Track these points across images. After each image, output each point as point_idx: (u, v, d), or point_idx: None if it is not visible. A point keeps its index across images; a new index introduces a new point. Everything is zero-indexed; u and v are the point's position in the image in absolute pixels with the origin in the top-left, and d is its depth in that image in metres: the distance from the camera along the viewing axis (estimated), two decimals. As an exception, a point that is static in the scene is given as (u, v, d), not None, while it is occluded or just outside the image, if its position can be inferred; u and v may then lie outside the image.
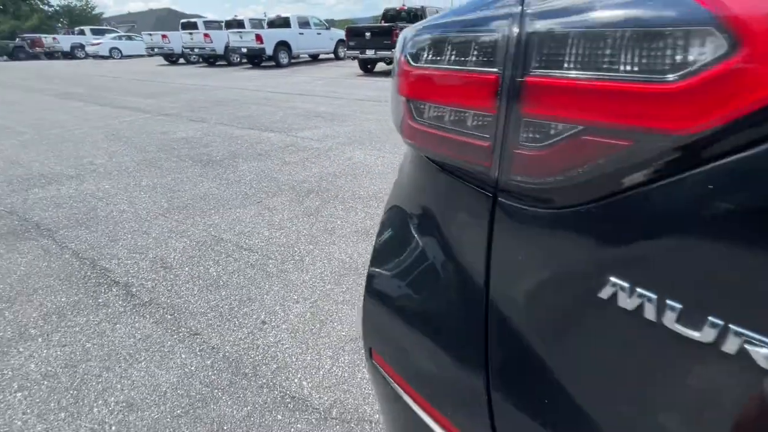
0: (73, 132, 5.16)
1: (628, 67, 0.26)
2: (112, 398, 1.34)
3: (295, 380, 1.42)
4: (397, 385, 0.52)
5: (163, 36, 16.89)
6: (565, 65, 0.29)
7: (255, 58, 13.92)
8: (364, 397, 1.34)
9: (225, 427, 1.24)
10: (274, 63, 13.75)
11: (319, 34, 14.86)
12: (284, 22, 14.26)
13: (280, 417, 1.28)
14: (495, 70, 0.33)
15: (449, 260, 0.45)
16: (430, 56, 0.39)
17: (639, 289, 0.28)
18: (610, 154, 0.28)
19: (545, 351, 0.36)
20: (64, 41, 24.16)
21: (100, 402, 1.32)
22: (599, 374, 0.33)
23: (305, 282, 1.98)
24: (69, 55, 23.44)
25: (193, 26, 15.62)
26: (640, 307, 0.28)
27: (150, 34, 18.03)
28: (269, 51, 13.23)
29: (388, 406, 0.56)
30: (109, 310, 1.78)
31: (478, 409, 0.41)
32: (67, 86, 10.03)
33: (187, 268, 2.11)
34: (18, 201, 2.99)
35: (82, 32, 25.25)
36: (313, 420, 1.26)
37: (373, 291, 0.56)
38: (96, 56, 22.01)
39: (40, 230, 2.53)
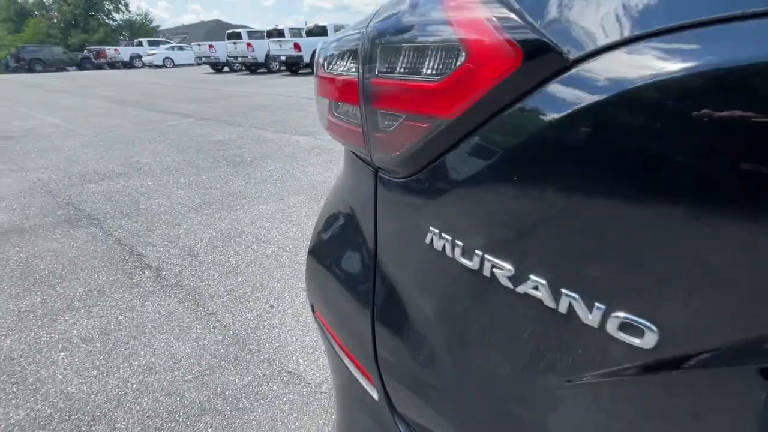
0: (126, 135, 5.69)
1: (407, 70, 0.37)
2: (136, 362, 1.54)
3: (293, 358, 1.55)
4: (327, 332, 0.63)
5: (210, 46, 18.03)
6: (387, 70, 0.40)
7: (293, 66, 14.54)
8: (352, 376, 1.45)
9: (227, 393, 1.39)
10: (310, 70, 14.29)
11: (354, 41, 15.27)
12: (322, 31, 14.80)
13: (275, 388, 1.41)
14: (354, 74, 0.44)
15: (357, 226, 0.56)
16: (330, 64, 0.51)
17: (443, 234, 0.38)
18: (420, 134, 0.38)
19: (401, 287, 0.46)
20: (124, 52, 26.36)
21: (125, 365, 1.53)
22: (430, 304, 0.43)
23: (314, 273, 2.13)
24: (128, 64, 25.55)
25: (238, 36, 16.56)
26: (443, 247, 0.38)
27: (198, 45, 19.30)
28: (306, 58, 13.78)
29: (327, 350, 0.67)
30: (141, 289, 2.02)
31: (368, 346, 0.51)
32: (124, 93, 10.99)
33: (210, 257, 2.33)
34: (75, 194, 3.38)
35: (140, 44, 27.45)
36: (304, 392, 1.39)
37: (310, 257, 0.68)
38: (151, 65, 23.84)
39: (91, 219, 2.87)
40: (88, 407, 1.34)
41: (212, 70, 18.60)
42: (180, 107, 8.11)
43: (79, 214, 2.96)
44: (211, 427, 1.27)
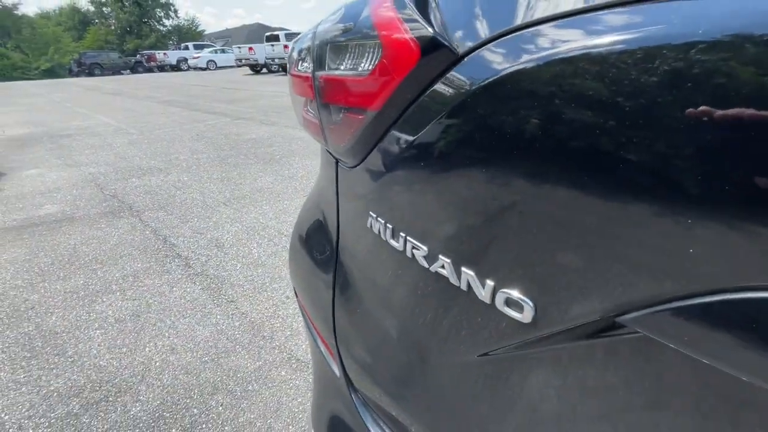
0: (168, 133, 6.06)
1: (347, 66, 0.40)
2: (161, 342, 1.66)
3: (303, 346, 1.61)
4: (305, 314, 0.67)
5: (250, 48, 18.74)
6: (327, 66, 0.43)
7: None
8: (357, 367, 1.49)
9: (238, 375, 1.48)
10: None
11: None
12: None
13: (283, 373, 1.48)
14: (309, 72, 0.47)
15: (324, 215, 0.59)
16: (300, 63, 0.54)
17: (378, 218, 0.40)
18: (357, 126, 0.40)
19: (353, 269, 0.49)
20: (172, 56, 27.96)
21: (151, 344, 1.65)
22: (371, 283, 0.46)
23: (330, 267, 2.19)
24: (175, 67, 27.09)
25: (276, 38, 17.12)
26: (379, 230, 0.41)
27: (239, 47, 20.11)
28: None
29: (307, 335, 0.72)
30: (170, 276, 2.16)
31: (329, 324, 0.54)
32: (169, 94, 11.68)
33: (235, 248, 2.45)
34: (120, 187, 3.66)
35: (186, 48, 29.01)
36: (309, 379, 1.45)
37: (292, 243, 0.72)
38: (196, 68, 25.14)
39: (132, 211, 3.10)
40: (116, 380, 1.47)
41: (251, 72, 19.33)
42: (219, 107, 8.52)
43: (122, 206, 3.20)
44: (221, 405, 1.35)
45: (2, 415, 1.34)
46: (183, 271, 2.22)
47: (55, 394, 1.42)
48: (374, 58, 0.36)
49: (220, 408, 1.34)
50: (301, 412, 1.32)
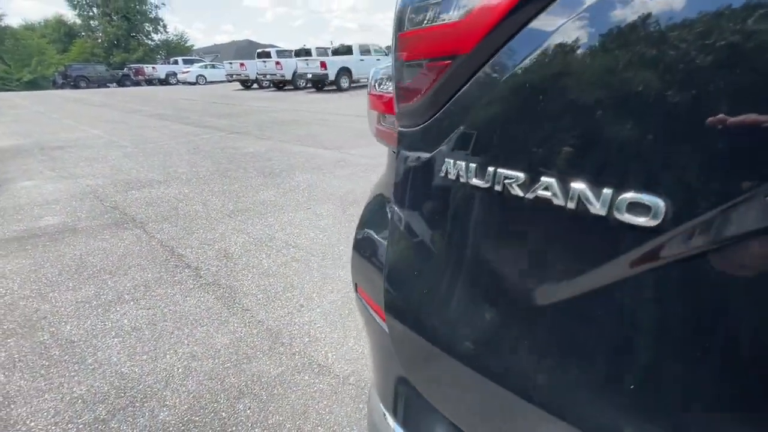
0: (164, 146, 6.06)
1: (430, 20, 0.48)
2: (181, 349, 1.68)
3: (322, 352, 1.66)
4: (369, 307, 0.74)
5: (241, 64, 18.89)
6: (407, 23, 0.51)
7: (318, 83, 15.08)
8: (378, 370, 1.55)
9: (263, 380, 1.51)
10: (335, 87, 14.78)
11: (378, 60, 15.74)
12: (347, 50, 15.34)
13: (306, 378, 1.52)
14: (385, 90, 0.57)
15: (384, 206, 0.68)
16: (380, 85, 0.64)
17: (457, 162, 0.46)
18: (441, 74, 0.47)
19: (424, 234, 0.56)
20: (161, 70, 27.90)
21: (171, 351, 1.67)
22: (442, 236, 0.53)
23: (340, 277, 2.25)
24: (164, 81, 27.01)
25: (267, 55, 17.33)
26: (457, 175, 0.47)
27: (230, 63, 20.25)
28: (332, 76, 14.28)
29: (366, 322, 0.78)
30: (183, 286, 2.18)
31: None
32: (160, 108, 11.66)
33: (244, 259, 2.49)
34: (120, 199, 3.65)
35: (175, 62, 29.01)
36: (333, 383, 1.49)
37: (356, 245, 0.79)
38: (185, 82, 25.14)
39: (135, 222, 3.10)
40: (141, 386, 1.49)
41: (242, 87, 19.44)
42: (212, 121, 8.56)
43: (125, 218, 3.20)
44: (249, 408, 1.39)
45: (28, 422, 1.34)
46: (194, 281, 2.25)
47: (80, 400, 1.43)
48: (468, 4, 0.43)
49: (248, 411, 1.38)
50: (328, 414, 1.36)
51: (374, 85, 0.66)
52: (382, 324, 0.69)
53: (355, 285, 0.82)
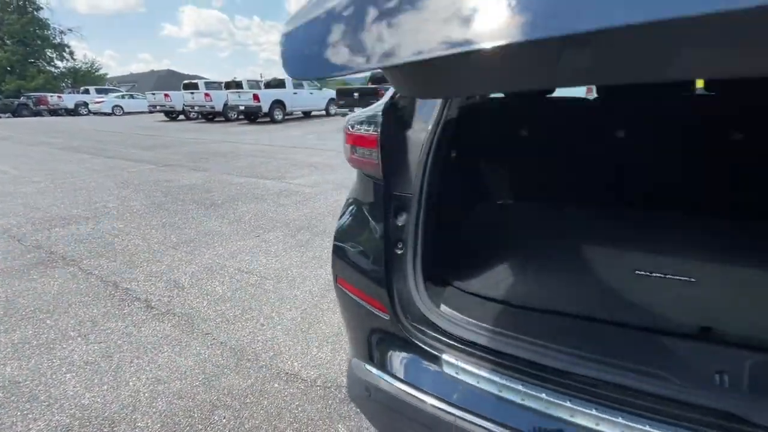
0: (85, 181, 5.65)
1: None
2: (144, 375, 1.70)
3: (288, 362, 1.80)
4: (347, 290, 0.97)
5: (166, 95, 18.11)
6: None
7: (251, 115, 15.02)
8: (341, 371, 1.73)
9: (234, 392, 1.61)
10: (269, 119, 14.83)
11: (311, 93, 16.20)
12: (280, 83, 15.58)
13: (276, 385, 1.65)
14: (371, 132, 0.85)
15: (366, 220, 0.93)
16: (356, 127, 0.91)
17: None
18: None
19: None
20: (69, 99, 25.42)
21: (134, 378, 1.69)
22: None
23: (297, 296, 2.40)
24: (72, 112, 24.59)
25: (195, 86, 16.86)
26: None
27: (153, 93, 19.30)
28: (265, 108, 14.35)
29: (346, 308, 1.01)
30: (134, 318, 2.16)
31: (382, 291, 0.87)
32: (73, 140, 10.69)
33: (196, 288, 2.51)
34: (42, 238, 3.39)
35: (87, 91, 26.68)
36: (302, 387, 1.64)
37: (336, 242, 1.03)
38: (98, 113, 23.17)
39: (66, 261, 2.92)
40: (106, 413, 1.49)
41: (166, 118, 18.52)
42: (139, 154, 8.11)
43: (53, 256, 3.00)
44: (224, 418, 1.48)
45: (-16, 462, 1.29)
46: (146, 312, 2.23)
47: (40, 435, 1.39)
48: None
49: (224, 421, 1.47)
50: (301, 412, 1.51)
51: (348, 127, 0.93)
52: (361, 301, 0.93)
53: (335, 276, 1.05)
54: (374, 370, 0.86)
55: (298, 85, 15.76)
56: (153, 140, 10.53)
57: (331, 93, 16.17)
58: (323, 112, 17.00)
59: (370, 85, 12.70)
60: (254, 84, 16.70)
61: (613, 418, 0.63)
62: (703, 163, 1.35)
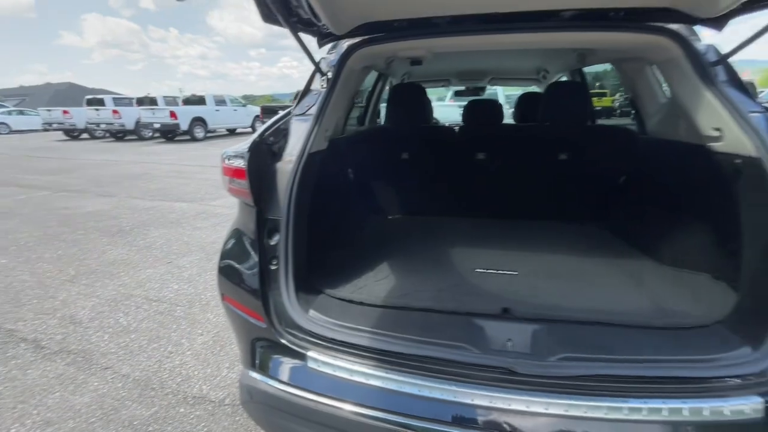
0: (-43, 212, 4.90)
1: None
2: (29, 420, 1.59)
3: (197, 386, 1.81)
4: (232, 306, 1.08)
5: (65, 111, 16.25)
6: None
7: (169, 133, 14.11)
8: (251, 388, 1.78)
9: (135, 422, 1.58)
10: (189, 137, 14.04)
11: (235, 110, 15.70)
12: (200, 100, 14.89)
13: (182, 410, 1.66)
14: (244, 164, 0.99)
15: (245, 242, 1.06)
16: (230, 160, 1.04)
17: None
18: None
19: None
20: (-66, 116, 21.51)
21: (17, 424, 1.57)
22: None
23: (209, 320, 2.38)
24: (-61, 130, 20.81)
25: (100, 102, 15.38)
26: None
27: (48, 110, 17.19)
28: (184, 126, 13.59)
29: (233, 322, 1.11)
30: (19, 361, 1.99)
31: (259, 303, 1.00)
32: (-58, 165, 9.12)
33: (97, 321, 2.37)
34: None
35: (-41, 106, 22.83)
36: (209, 408, 1.67)
37: (220, 263, 1.14)
38: (-25, 131, 19.91)
39: (-69, 305, 2.56)
40: (-18, 466, 1.38)
41: (67, 137, 16.56)
42: (31, 179, 7.21)
43: None
44: (123, 450, 1.45)
45: None
46: (34, 353, 2.06)
47: None
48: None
49: (122, 452, 1.44)
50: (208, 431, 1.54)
51: (225, 159, 1.05)
52: (243, 314, 1.04)
53: (222, 295, 1.15)
54: (255, 374, 0.97)
55: (220, 102, 15.20)
56: (50, 163, 9.40)
57: (256, 110, 15.84)
58: (250, 129, 16.55)
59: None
60: (171, 100, 15.76)
61: (431, 384, 0.82)
62: (539, 178, 1.70)
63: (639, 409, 0.74)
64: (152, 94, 15.99)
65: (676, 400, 0.75)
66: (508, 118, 2.58)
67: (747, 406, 0.73)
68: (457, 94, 5.06)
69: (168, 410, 1.65)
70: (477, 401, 0.78)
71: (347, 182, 1.79)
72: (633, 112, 1.72)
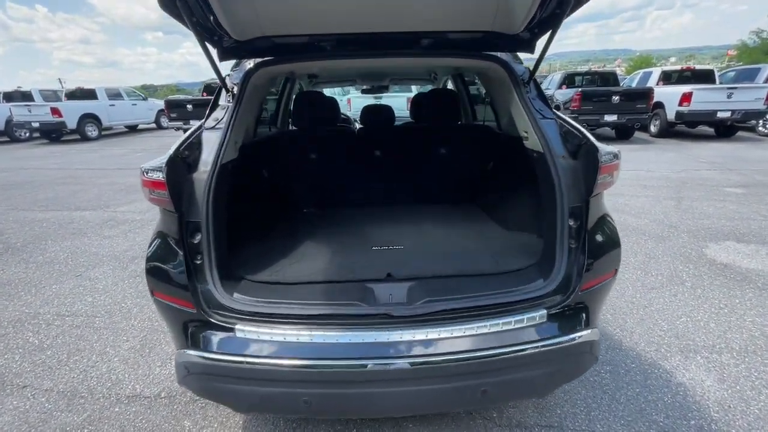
0: None
1: None
2: (-57, 448, 1.55)
3: (129, 386, 1.88)
4: (162, 299, 1.24)
5: None
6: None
7: (52, 133, 12.32)
8: (186, 379, 1.91)
9: (68, 428, 1.63)
10: (78, 136, 12.42)
11: (134, 104, 14.20)
12: (89, 94, 13.18)
13: (117, 409, 1.74)
14: (162, 177, 1.15)
15: (170, 243, 1.23)
16: (149, 173, 1.19)
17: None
18: None
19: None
20: None
21: (-71, 454, 1.52)
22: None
23: (134, 326, 2.40)
24: None
25: (28, 97, 12.78)
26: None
27: None
28: (71, 124, 11.96)
29: (164, 312, 1.27)
30: None
31: (187, 294, 1.18)
32: None
33: (1, 345, 2.24)
34: None
35: None
36: (146, 402, 1.77)
37: (147, 264, 1.28)
38: None
39: None
40: None
41: None
42: None
43: None
44: (59, 453, 1.52)
45: None
46: (-70, 386, 1.92)
47: None
48: None
49: (59, 455, 1.51)
50: (146, 423, 1.65)
51: (144, 173, 1.18)
52: (174, 305, 1.22)
53: (152, 291, 1.29)
54: (190, 351, 1.16)
55: (115, 95, 13.62)
56: None
57: (160, 103, 14.50)
58: (154, 125, 15.12)
59: (204, 96, 11.96)
60: (51, 94, 13.72)
61: (334, 333, 1.11)
62: (424, 169, 2.08)
63: (473, 327, 1.11)
64: (24, 87, 13.75)
65: (497, 318, 1.14)
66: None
67: (537, 314, 1.15)
68: (364, 92, 5.69)
69: (102, 412, 1.72)
70: (367, 340, 1.09)
71: (262, 181, 1.97)
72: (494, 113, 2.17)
